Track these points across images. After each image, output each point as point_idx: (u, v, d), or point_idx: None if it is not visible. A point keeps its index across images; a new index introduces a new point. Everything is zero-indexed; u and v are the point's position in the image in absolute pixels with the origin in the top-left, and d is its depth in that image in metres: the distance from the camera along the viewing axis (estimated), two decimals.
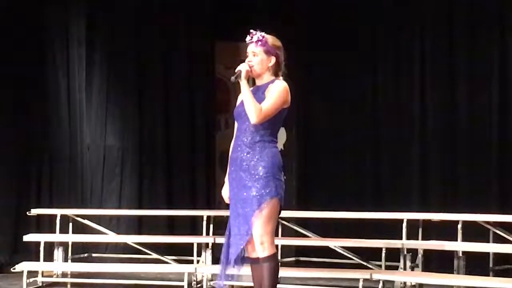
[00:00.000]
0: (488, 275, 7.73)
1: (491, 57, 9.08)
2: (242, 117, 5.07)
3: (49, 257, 8.37)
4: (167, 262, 8.58)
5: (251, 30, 5.15)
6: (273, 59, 5.11)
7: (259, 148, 5.02)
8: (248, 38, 5.14)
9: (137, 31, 10.14)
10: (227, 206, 9.87)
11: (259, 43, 5.09)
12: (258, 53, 5.10)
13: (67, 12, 9.55)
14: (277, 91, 5.02)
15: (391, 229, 8.10)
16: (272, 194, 4.96)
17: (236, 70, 5.04)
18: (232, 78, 5.05)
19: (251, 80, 5.16)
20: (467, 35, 9.22)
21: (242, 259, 5.09)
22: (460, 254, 7.36)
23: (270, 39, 5.13)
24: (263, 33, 5.13)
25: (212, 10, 10.33)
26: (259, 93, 5.06)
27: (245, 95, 5.00)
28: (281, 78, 5.13)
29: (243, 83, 5.01)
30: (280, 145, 6.86)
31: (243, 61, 5.12)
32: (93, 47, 9.88)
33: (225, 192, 5.23)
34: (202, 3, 10.33)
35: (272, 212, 4.97)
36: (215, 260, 8.05)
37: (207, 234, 8.43)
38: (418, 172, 9.40)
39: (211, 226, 8.47)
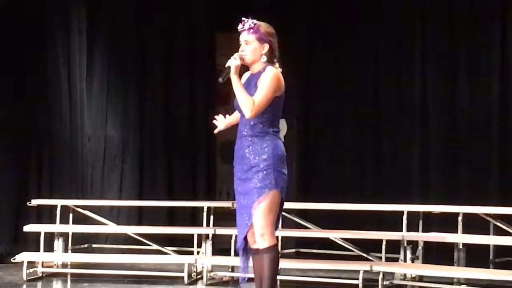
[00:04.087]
0: (489, 267, 7.74)
1: (492, 52, 9.08)
2: (240, 109, 5.07)
3: (49, 248, 8.38)
4: (167, 253, 8.59)
5: (243, 18, 5.11)
6: (266, 46, 5.07)
7: (260, 140, 5.01)
8: (240, 26, 5.10)
9: (138, 22, 10.12)
10: (227, 198, 9.89)
11: (251, 30, 5.06)
12: (250, 41, 5.07)
13: (68, 3, 9.52)
14: (267, 80, 4.98)
15: (391, 221, 8.10)
16: (272, 186, 4.95)
17: (226, 66, 5.01)
18: (220, 79, 5.04)
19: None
20: (468, 31, 9.22)
21: (247, 250, 5.09)
22: (461, 246, 7.36)
23: (263, 26, 5.09)
24: (254, 20, 5.09)
25: (212, 1, 10.31)
26: (253, 83, 5.05)
27: (236, 91, 4.99)
28: (276, 65, 5.10)
29: (234, 79, 4.99)
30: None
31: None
32: (93, 37, 9.86)
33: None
34: None
35: (272, 204, 4.97)
36: (215, 251, 8.07)
37: (207, 225, 8.42)
38: (419, 164, 9.40)
39: (212, 217, 8.46)
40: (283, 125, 10.02)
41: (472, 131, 9.17)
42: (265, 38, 5.06)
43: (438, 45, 9.37)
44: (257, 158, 4.99)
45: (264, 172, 4.96)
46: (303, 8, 10.14)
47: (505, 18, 9.04)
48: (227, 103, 10.75)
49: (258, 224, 4.94)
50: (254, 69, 5.11)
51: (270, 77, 4.99)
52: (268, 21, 5.19)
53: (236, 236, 7.41)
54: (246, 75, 5.17)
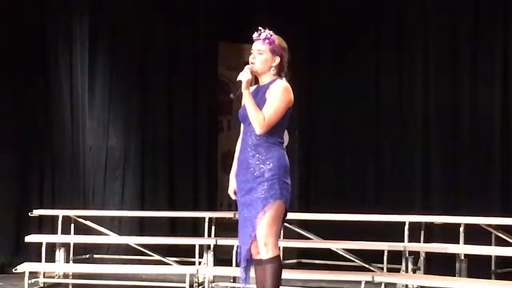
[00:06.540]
0: (490, 278, 7.72)
1: (494, 58, 9.07)
2: (246, 119, 5.06)
3: (50, 258, 8.37)
4: (168, 264, 8.58)
5: (259, 28, 5.14)
6: (277, 59, 5.10)
7: (265, 150, 5.02)
8: (255, 35, 5.12)
9: (140, 31, 10.14)
10: (229, 208, 9.87)
11: (266, 41, 5.08)
12: (263, 51, 5.09)
13: (70, 12, 9.54)
14: (278, 94, 5.00)
15: (393, 232, 8.09)
16: (277, 196, 4.96)
17: (237, 79, 5.02)
18: (231, 95, 5.06)
19: (253, 80, 5.16)
20: (470, 34, 9.22)
21: (249, 261, 5.09)
22: (462, 257, 7.36)
23: (277, 39, 5.12)
24: (271, 32, 5.12)
25: (214, 10, 10.33)
26: (260, 94, 5.06)
27: (248, 106, 4.99)
28: (284, 78, 5.12)
29: (245, 94, 4.99)
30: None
31: (247, 62, 5.13)
32: (96, 47, 9.88)
33: (231, 189, 5.23)
34: (205, 4, 10.33)
35: (276, 214, 4.98)
36: (217, 262, 8.07)
37: (209, 235, 8.41)
38: (421, 175, 9.39)
39: (213, 227, 8.45)
40: (285, 135, 10.08)
41: (474, 141, 9.14)
42: (278, 51, 5.09)
43: (440, 51, 9.38)
44: (262, 168, 5.00)
45: (269, 182, 4.97)
46: (303, 18, 10.16)
47: (507, 24, 9.05)
48: (229, 114, 10.79)
49: (262, 234, 4.94)
50: (262, 81, 5.14)
51: (281, 91, 5.01)
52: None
53: (237, 246, 7.46)
54: (253, 87, 5.17)
